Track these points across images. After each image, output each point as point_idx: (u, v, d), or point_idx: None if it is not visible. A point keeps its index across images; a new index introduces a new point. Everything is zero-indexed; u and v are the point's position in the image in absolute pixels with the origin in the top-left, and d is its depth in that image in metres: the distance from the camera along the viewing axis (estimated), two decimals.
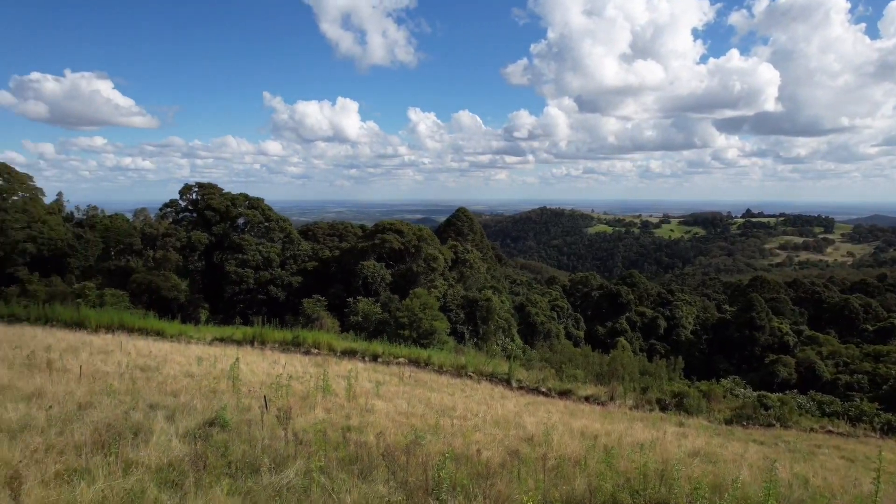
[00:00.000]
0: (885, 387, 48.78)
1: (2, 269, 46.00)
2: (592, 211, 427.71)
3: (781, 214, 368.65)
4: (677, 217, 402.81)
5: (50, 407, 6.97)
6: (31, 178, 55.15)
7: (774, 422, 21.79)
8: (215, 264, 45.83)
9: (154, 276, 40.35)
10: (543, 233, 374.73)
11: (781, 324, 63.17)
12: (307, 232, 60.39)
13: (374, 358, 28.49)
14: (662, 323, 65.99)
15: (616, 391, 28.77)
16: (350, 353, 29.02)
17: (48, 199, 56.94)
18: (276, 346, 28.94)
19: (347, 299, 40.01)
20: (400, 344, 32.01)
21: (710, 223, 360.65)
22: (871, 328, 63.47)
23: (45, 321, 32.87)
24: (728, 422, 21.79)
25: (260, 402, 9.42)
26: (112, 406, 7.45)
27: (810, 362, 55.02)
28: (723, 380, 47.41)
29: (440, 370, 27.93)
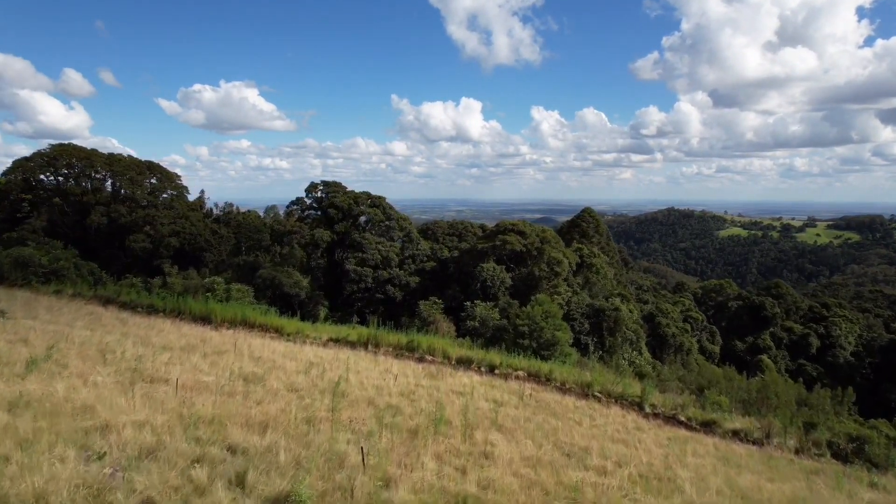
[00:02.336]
0: None
1: (150, 260, 49.83)
2: (725, 212, 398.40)
3: None
4: (825, 220, 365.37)
5: (101, 456, 5.73)
6: (178, 176, 59.45)
7: None
8: (336, 262, 46.37)
9: (278, 272, 41.34)
10: (670, 235, 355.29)
11: None
12: (427, 231, 59.91)
13: (491, 369, 26.59)
14: (815, 341, 58.00)
15: (772, 427, 24.74)
16: (465, 363, 27.36)
17: (192, 197, 61.23)
18: (391, 350, 27.89)
19: (465, 303, 38.49)
20: (518, 354, 29.96)
21: (867, 227, 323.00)
22: None
23: (178, 314, 34.22)
24: None
25: (359, 442, 7.81)
26: (178, 454, 6.09)
27: None
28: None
29: (563, 388, 25.49)
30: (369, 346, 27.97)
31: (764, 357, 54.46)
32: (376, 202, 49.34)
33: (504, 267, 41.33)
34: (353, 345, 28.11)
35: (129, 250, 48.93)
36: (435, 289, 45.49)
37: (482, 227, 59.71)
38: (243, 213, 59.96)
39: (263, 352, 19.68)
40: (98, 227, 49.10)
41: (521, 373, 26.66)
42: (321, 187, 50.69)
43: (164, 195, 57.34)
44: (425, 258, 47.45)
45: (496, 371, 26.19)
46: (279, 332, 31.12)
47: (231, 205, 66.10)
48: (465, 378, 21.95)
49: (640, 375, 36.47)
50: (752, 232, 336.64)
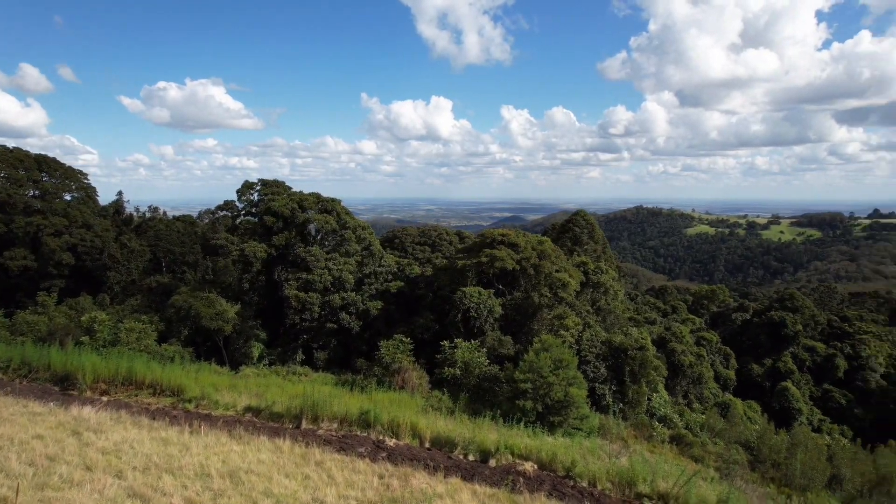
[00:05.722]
0: None
1: (38, 282, 38.93)
2: (693, 211, 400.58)
3: None
4: (788, 218, 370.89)
5: None
6: (84, 175, 48.17)
7: None
8: (277, 282, 36.35)
9: (195, 300, 31.16)
10: (639, 233, 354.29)
11: None
12: (393, 239, 50.10)
13: (484, 458, 17.39)
14: (841, 363, 50.45)
15: None
16: (445, 446, 18.15)
17: (107, 199, 49.86)
18: (333, 431, 18.73)
19: (440, 339, 29.01)
20: (517, 420, 21.01)
21: (828, 224, 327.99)
22: None
23: (28, 372, 24.24)
24: None
25: None
26: None
27: None
28: None
29: (595, 496, 16.28)
30: (304, 421, 18.46)
31: (788, 384, 46.55)
32: (328, 207, 39.32)
33: (492, 291, 31.94)
34: (278, 420, 19.63)
35: (7, 271, 37.94)
36: (402, 316, 35.85)
37: (459, 234, 50.34)
38: (167, 220, 49.03)
39: (128, 459, 11.05)
40: None
41: (528, 465, 17.44)
42: (258, 187, 40.44)
43: (67, 197, 46.26)
44: (390, 276, 37.73)
45: (490, 461, 17.04)
46: (178, 395, 21.72)
47: (157, 209, 55.14)
48: (444, 486, 13.76)
49: (678, 440, 27.68)
50: (720, 230, 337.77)
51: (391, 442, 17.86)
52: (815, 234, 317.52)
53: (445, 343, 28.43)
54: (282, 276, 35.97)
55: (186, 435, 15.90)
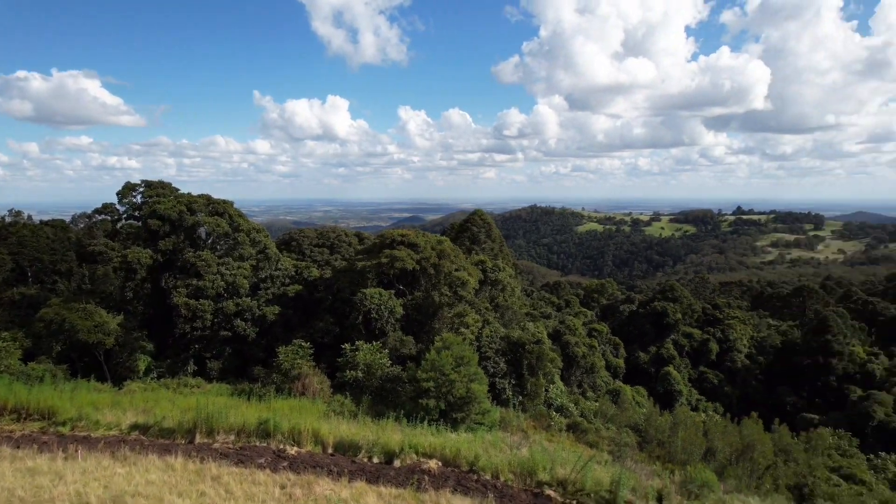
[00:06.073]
0: None
1: None
2: (583, 209, 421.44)
3: (772, 212, 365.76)
4: (667, 215, 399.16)
5: None
6: None
7: None
8: (164, 290, 34.11)
9: (69, 312, 28.55)
10: (533, 231, 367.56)
11: (856, 347, 52.88)
12: (290, 242, 48.64)
13: (388, 459, 17.36)
14: (714, 347, 55.30)
15: None
16: (349, 450, 17.99)
17: None
18: (231, 440, 17.94)
19: (341, 342, 28.59)
20: (421, 419, 21.15)
21: (701, 221, 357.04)
22: None
23: None
24: None
25: None
26: None
27: None
28: (822, 430, 37.02)
29: (498, 488, 16.81)
30: (198, 435, 17.53)
31: (670, 369, 50.34)
32: (219, 209, 37.51)
33: (393, 291, 31.88)
34: (169, 436, 17.57)
35: None
36: (301, 321, 34.93)
37: (358, 234, 49.72)
38: (33, 225, 44.51)
39: None
40: None
41: (433, 462, 17.66)
42: (141, 189, 37.76)
43: None
44: (287, 280, 36.60)
45: (395, 461, 17.06)
46: (49, 418, 20.02)
47: (19, 213, 49.89)
48: (348, 491, 13.57)
49: (574, 428, 29.03)
50: (608, 227, 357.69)
51: (293, 450, 17.39)
52: (691, 229, 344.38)
53: (347, 346, 28.04)
54: (170, 283, 33.85)
55: (60, 462, 14.57)
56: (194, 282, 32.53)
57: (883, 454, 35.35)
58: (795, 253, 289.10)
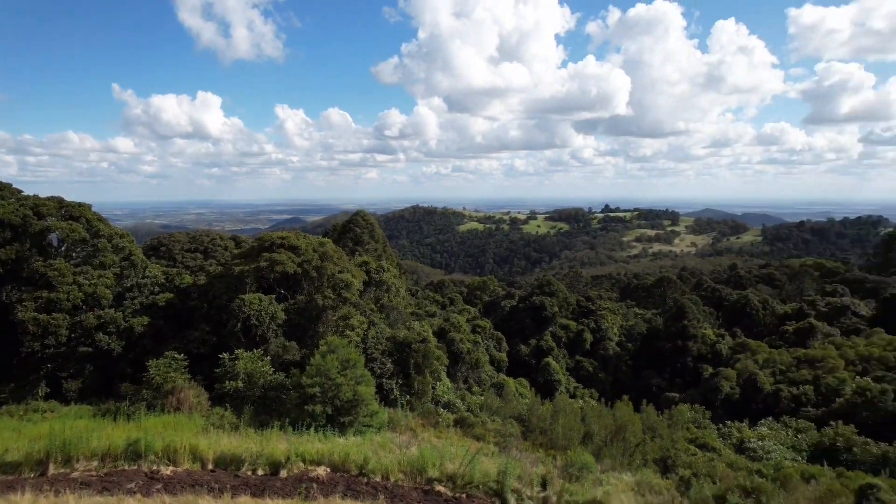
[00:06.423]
0: (838, 400, 44.77)
1: None
2: (464, 209, 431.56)
3: (636, 209, 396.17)
4: (543, 213, 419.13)
5: None
6: None
7: None
8: (6, 305, 30.37)
9: None
10: (416, 231, 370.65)
11: (707, 330, 58.82)
12: (158, 247, 45.24)
13: (274, 470, 16.88)
14: (588, 336, 59.05)
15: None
16: (231, 464, 17.23)
17: None
18: (94, 466, 16.61)
19: (220, 352, 27.06)
20: (307, 425, 20.65)
21: (574, 219, 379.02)
22: (790, 329, 61.04)
23: None
24: None
25: None
26: None
27: (751, 374, 50.43)
28: (681, 406, 40.73)
29: (389, 489, 16.93)
30: (50, 468, 16.03)
31: (550, 359, 52.97)
32: (74, 213, 34.04)
33: (274, 296, 30.71)
34: (14, 471, 16.02)
35: None
36: (174, 331, 32.61)
37: (235, 238, 47.25)
38: None
39: None
40: None
41: (321, 469, 17.44)
42: None
43: None
44: (157, 289, 34.01)
45: (281, 473, 16.64)
46: None
47: None
48: None
49: (462, 423, 29.56)
50: (488, 226, 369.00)
51: (168, 470, 16.21)
52: (564, 227, 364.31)
53: (225, 355, 26.56)
54: (13, 297, 30.21)
55: None
56: (45, 294, 29.28)
57: (729, 423, 39.59)
58: (656, 247, 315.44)
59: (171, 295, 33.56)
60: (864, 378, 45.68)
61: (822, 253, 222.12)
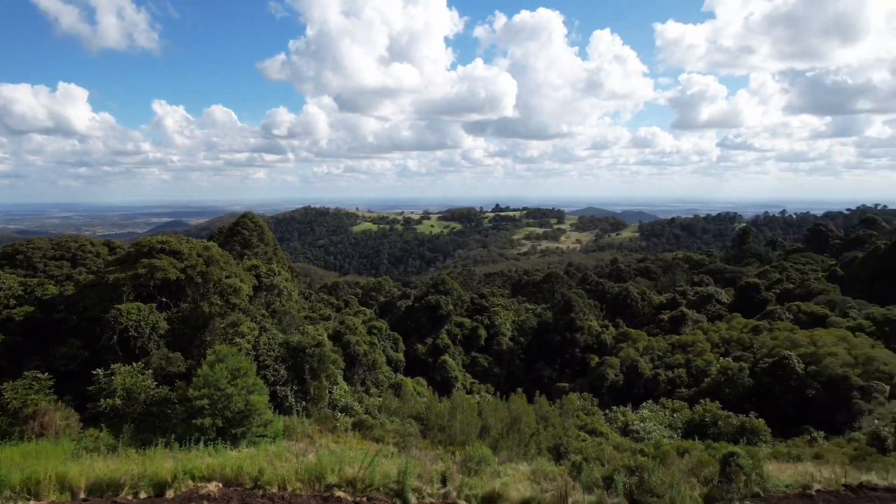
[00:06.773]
0: (706, 380, 49.25)
1: None
2: (357, 209, 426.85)
3: (524, 208, 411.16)
4: (436, 213, 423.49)
5: None
6: None
7: None
8: None
9: None
10: (308, 233, 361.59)
11: (593, 322, 62.36)
12: (14, 255, 40.67)
13: (160, 491, 15.65)
14: (483, 333, 60.53)
15: (568, 490, 19.72)
16: (108, 490, 15.69)
17: None
18: None
19: (93, 372, 24.78)
20: (196, 440, 19.38)
21: (466, 218, 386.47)
22: (665, 317, 66.15)
23: None
24: None
25: None
26: None
27: (633, 361, 54.07)
28: (571, 395, 42.87)
29: (287, 499, 16.24)
30: None
31: (446, 357, 53.67)
32: None
33: (155, 305, 28.61)
34: None
35: None
36: (35, 348, 29.47)
37: (109, 243, 43.41)
38: None
39: None
40: None
41: (212, 485, 16.37)
42: None
43: None
44: (13, 302, 30.57)
45: (167, 493, 15.45)
46: None
47: None
48: None
49: (360, 426, 29.16)
50: (381, 226, 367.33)
51: None
52: (457, 226, 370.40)
53: (100, 371, 24.33)
54: None
55: None
56: None
57: (614, 408, 42.23)
58: (544, 244, 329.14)
59: (32, 308, 30.30)
60: (726, 358, 50.71)
61: (691, 246, 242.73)
